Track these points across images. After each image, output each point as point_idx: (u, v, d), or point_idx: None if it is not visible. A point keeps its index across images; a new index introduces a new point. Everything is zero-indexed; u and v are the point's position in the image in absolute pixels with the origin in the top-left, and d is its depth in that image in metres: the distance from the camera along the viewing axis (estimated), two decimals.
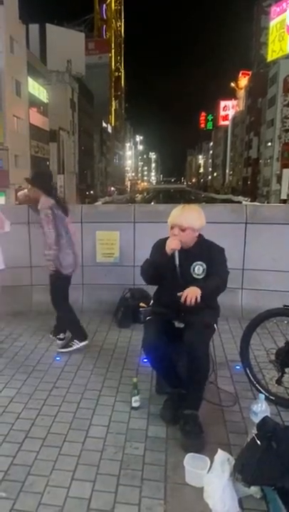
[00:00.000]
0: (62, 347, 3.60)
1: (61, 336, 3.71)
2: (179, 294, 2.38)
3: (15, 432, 2.47)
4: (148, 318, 2.69)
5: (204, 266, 2.52)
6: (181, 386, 2.61)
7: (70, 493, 1.99)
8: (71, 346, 3.56)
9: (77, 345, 3.57)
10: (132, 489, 2.01)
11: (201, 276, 2.52)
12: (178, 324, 2.59)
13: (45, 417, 2.63)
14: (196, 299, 2.33)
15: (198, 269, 2.52)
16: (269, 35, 42.71)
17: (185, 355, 2.46)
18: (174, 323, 2.60)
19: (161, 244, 2.67)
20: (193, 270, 2.52)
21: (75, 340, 3.58)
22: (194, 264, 2.52)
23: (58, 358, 3.46)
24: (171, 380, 2.69)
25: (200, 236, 2.59)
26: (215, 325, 2.62)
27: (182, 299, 2.35)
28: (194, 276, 2.52)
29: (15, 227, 3.85)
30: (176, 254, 2.48)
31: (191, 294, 2.34)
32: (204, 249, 2.55)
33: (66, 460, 2.22)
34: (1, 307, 4.20)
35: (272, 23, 41.52)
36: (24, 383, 3.05)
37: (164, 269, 2.54)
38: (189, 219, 2.49)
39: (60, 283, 3.55)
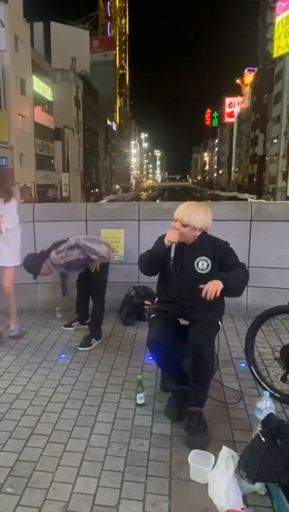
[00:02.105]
0: (83, 346, 3.62)
1: (94, 340, 3.68)
2: (201, 286, 2.35)
3: (20, 428, 2.49)
4: (152, 315, 2.69)
5: (208, 261, 2.50)
6: (185, 383, 2.61)
7: (75, 489, 2.00)
8: (91, 345, 3.62)
9: (95, 343, 3.66)
10: (136, 485, 2.02)
11: (205, 272, 2.50)
12: (183, 322, 2.59)
13: (51, 413, 2.64)
14: (216, 293, 2.31)
15: (203, 264, 2.50)
16: (275, 31, 42.36)
17: (190, 352, 2.46)
18: (178, 320, 2.60)
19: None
20: (197, 265, 2.50)
21: (93, 339, 3.66)
22: (198, 259, 2.50)
23: (63, 356, 3.48)
24: (175, 377, 2.69)
25: (202, 231, 2.58)
26: (220, 322, 2.62)
27: (203, 293, 2.33)
28: (198, 271, 2.50)
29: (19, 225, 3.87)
30: (173, 246, 2.46)
31: (213, 288, 2.31)
32: (207, 244, 2.53)
33: (71, 456, 2.24)
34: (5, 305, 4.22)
35: (278, 19, 41.18)
36: (30, 380, 3.07)
37: (159, 260, 2.53)
38: (192, 217, 2.46)
39: (107, 274, 3.74)
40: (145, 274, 2.69)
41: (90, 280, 3.74)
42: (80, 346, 3.60)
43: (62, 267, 3.58)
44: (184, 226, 2.47)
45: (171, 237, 2.46)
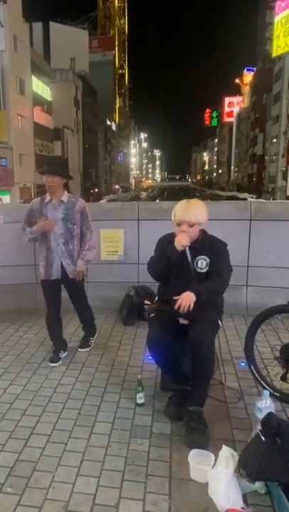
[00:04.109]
0: (82, 347, 3.59)
1: (91, 339, 3.67)
2: (175, 297, 2.38)
3: (20, 428, 2.50)
4: (152, 315, 2.69)
5: (207, 260, 2.52)
6: (185, 383, 2.61)
7: (75, 489, 2.00)
8: (90, 345, 3.61)
9: (93, 340, 3.66)
10: (136, 485, 2.02)
11: (203, 270, 2.52)
12: (182, 321, 2.59)
13: (51, 413, 2.65)
14: (190, 306, 2.33)
15: (202, 263, 2.52)
16: (274, 30, 42.31)
17: (190, 352, 2.46)
18: (178, 320, 2.60)
19: (166, 240, 2.67)
20: (197, 264, 2.52)
21: (91, 338, 3.66)
22: (197, 258, 2.52)
23: (63, 355, 3.48)
24: (175, 376, 2.69)
25: (202, 231, 2.59)
26: (220, 322, 2.62)
27: (176, 306, 2.35)
28: (197, 270, 2.52)
29: (18, 225, 3.86)
30: (187, 250, 2.48)
31: (185, 302, 2.34)
32: (206, 243, 2.55)
33: (71, 456, 2.24)
34: (5, 305, 4.23)
35: (277, 18, 41.12)
36: (29, 380, 3.08)
37: (174, 266, 2.53)
38: (198, 215, 2.49)
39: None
40: (157, 280, 2.72)
41: (73, 292, 3.45)
42: (80, 347, 3.58)
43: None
44: (191, 226, 2.47)
45: (184, 241, 2.44)
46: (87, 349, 3.57)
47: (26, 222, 3.31)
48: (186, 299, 2.34)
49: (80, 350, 3.55)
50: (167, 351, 2.53)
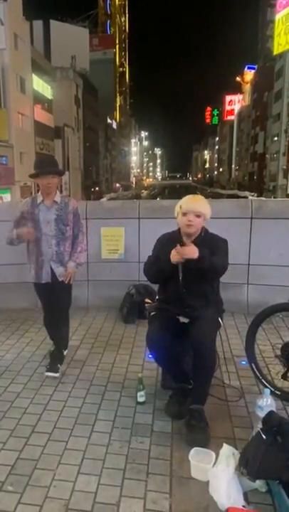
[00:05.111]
0: (51, 371, 3.12)
1: (58, 366, 3.18)
2: (180, 244, 2.41)
3: (21, 426, 2.50)
4: (152, 313, 2.70)
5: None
6: (185, 381, 2.62)
7: (76, 487, 2.01)
8: (58, 370, 3.14)
9: (60, 367, 3.19)
10: (137, 483, 2.02)
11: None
12: (182, 319, 2.59)
13: (51, 411, 2.65)
14: (191, 255, 2.33)
15: None
16: (275, 28, 42.18)
17: (190, 350, 2.46)
18: (178, 318, 2.60)
19: (165, 239, 2.67)
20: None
21: (58, 365, 3.18)
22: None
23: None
24: (175, 375, 2.70)
25: (203, 228, 2.60)
26: (220, 320, 2.62)
27: (179, 249, 2.37)
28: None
29: None
30: (180, 266, 2.49)
31: (189, 251, 2.35)
32: (207, 241, 2.56)
33: (72, 454, 2.24)
34: (7, 303, 4.23)
35: (278, 16, 40.97)
36: (30, 379, 3.08)
37: (168, 274, 2.56)
38: (204, 206, 2.55)
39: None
40: (153, 283, 2.82)
41: (59, 297, 3.20)
42: (48, 371, 3.12)
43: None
44: (198, 216, 2.50)
45: (177, 258, 2.44)
46: (57, 374, 3.09)
47: (15, 222, 3.13)
48: (191, 250, 2.35)
49: (47, 374, 3.10)
50: (167, 350, 2.53)
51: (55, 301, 3.24)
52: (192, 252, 2.36)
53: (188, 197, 2.62)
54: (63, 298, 3.24)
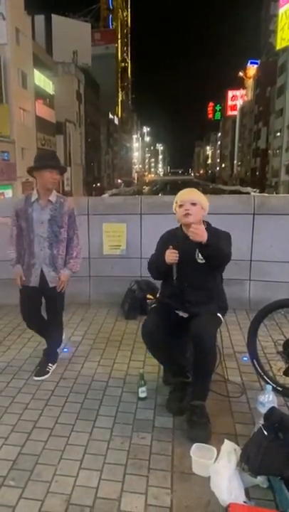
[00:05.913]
0: (39, 375, 3.04)
1: (50, 366, 3.13)
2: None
3: (23, 422, 2.50)
4: (153, 305, 2.74)
5: None
6: (183, 375, 2.62)
7: (77, 482, 2.01)
8: (48, 372, 3.07)
9: (52, 368, 3.12)
10: (139, 478, 2.03)
11: (204, 261, 2.51)
12: (182, 313, 2.59)
13: (53, 407, 2.65)
14: (200, 234, 2.32)
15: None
16: (278, 22, 41.85)
17: (190, 345, 2.46)
18: (177, 312, 2.61)
19: (166, 238, 2.68)
20: (198, 256, 2.50)
21: (50, 364, 3.12)
22: (200, 248, 2.50)
23: (65, 350, 3.48)
24: (171, 367, 2.72)
25: (206, 222, 2.61)
26: (222, 316, 2.61)
27: (190, 227, 2.36)
28: (199, 261, 2.51)
29: None
30: (174, 267, 2.50)
31: (200, 231, 2.33)
32: (211, 233, 2.52)
33: (74, 449, 2.24)
34: (8, 299, 4.21)
35: (282, 10, 40.64)
36: (32, 374, 3.08)
37: (166, 272, 2.59)
38: (199, 195, 2.60)
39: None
40: (157, 279, 2.84)
41: (50, 304, 3.09)
42: (36, 376, 3.02)
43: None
44: (194, 204, 2.52)
45: (170, 259, 2.47)
46: (45, 377, 3.01)
47: (14, 221, 3.02)
48: (201, 231, 2.33)
49: (35, 378, 3.00)
50: (160, 341, 2.54)
51: (38, 308, 3.08)
52: (203, 232, 2.33)
53: (182, 191, 2.67)
54: (54, 304, 3.08)
